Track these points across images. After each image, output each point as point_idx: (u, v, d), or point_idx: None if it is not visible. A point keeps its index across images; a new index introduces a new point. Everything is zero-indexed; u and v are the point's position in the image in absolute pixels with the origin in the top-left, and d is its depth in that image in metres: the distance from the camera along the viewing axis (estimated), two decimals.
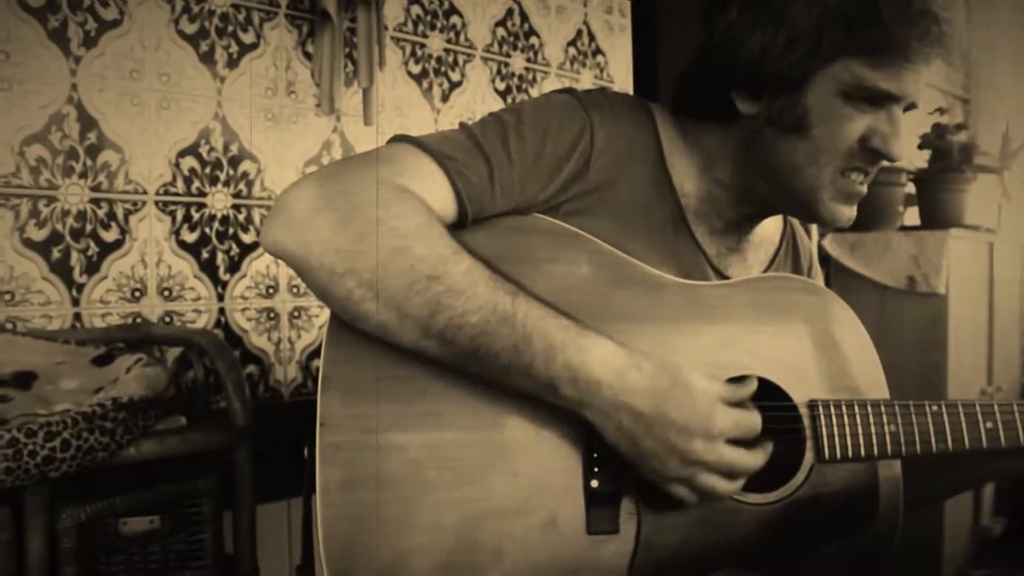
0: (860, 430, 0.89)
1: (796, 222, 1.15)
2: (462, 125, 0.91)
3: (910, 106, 0.91)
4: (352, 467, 0.79)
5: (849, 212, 0.94)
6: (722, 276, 1.01)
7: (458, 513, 0.81)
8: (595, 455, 0.84)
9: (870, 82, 0.87)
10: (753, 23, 0.89)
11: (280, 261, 0.83)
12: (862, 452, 0.89)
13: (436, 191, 0.84)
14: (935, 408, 0.91)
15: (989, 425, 0.91)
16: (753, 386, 0.86)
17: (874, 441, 0.89)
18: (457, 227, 0.86)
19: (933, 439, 0.90)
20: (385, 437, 0.81)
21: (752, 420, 0.83)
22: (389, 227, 0.78)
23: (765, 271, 1.07)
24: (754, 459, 0.83)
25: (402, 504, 0.80)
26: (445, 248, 0.79)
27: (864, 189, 0.94)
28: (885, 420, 0.90)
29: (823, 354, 0.95)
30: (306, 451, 0.84)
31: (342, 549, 0.78)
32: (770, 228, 1.09)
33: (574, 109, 0.93)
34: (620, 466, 0.83)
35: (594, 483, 0.84)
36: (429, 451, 0.81)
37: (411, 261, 0.78)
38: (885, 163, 0.92)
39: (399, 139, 0.89)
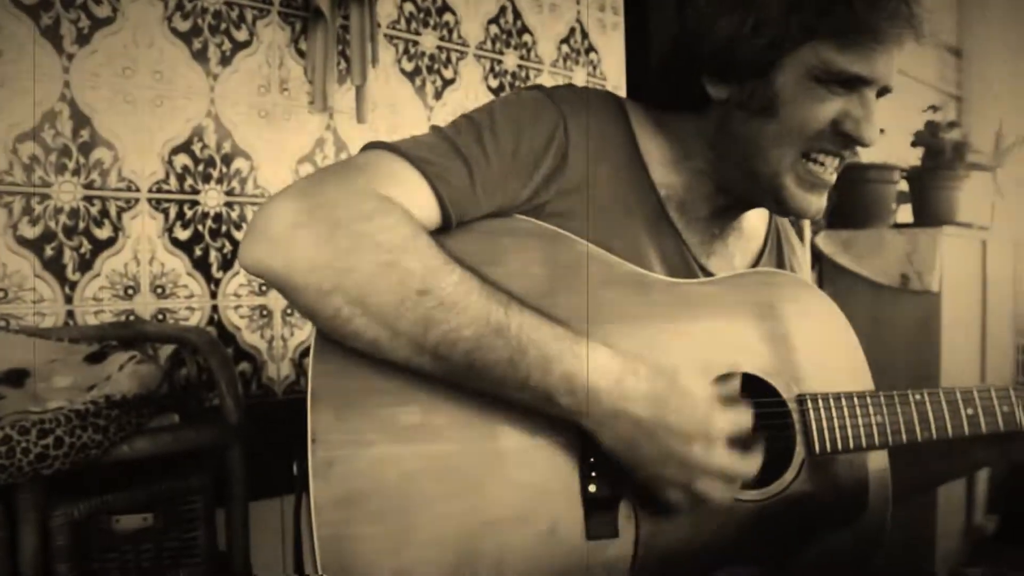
0: (848, 422, 0.90)
1: (784, 220, 1.15)
2: (435, 128, 0.89)
3: (884, 90, 0.91)
4: (346, 483, 0.77)
5: (817, 202, 0.93)
6: (703, 268, 1.00)
7: (457, 525, 0.79)
8: (591, 460, 0.84)
9: (840, 65, 0.86)
10: (722, 8, 0.89)
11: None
12: (851, 444, 0.90)
13: (417, 197, 0.82)
14: (918, 397, 0.91)
15: (969, 412, 0.92)
16: (737, 381, 0.86)
17: (862, 432, 0.90)
18: (441, 232, 0.84)
19: (918, 428, 0.91)
20: (378, 450, 0.78)
21: (745, 418, 0.83)
22: (375, 241, 0.76)
23: (751, 267, 1.07)
24: (748, 465, 0.83)
25: (399, 518, 0.78)
26: (434, 260, 0.77)
27: (832, 178, 0.93)
28: (872, 411, 0.90)
29: (808, 348, 0.95)
30: (295, 467, 0.81)
31: (340, 569, 0.75)
32: (755, 224, 1.09)
33: (545, 104, 0.92)
34: (617, 470, 0.83)
35: (592, 488, 0.83)
36: (424, 463, 0.79)
37: (400, 276, 0.75)
38: (857, 148, 0.91)
39: (374, 146, 0.87)
